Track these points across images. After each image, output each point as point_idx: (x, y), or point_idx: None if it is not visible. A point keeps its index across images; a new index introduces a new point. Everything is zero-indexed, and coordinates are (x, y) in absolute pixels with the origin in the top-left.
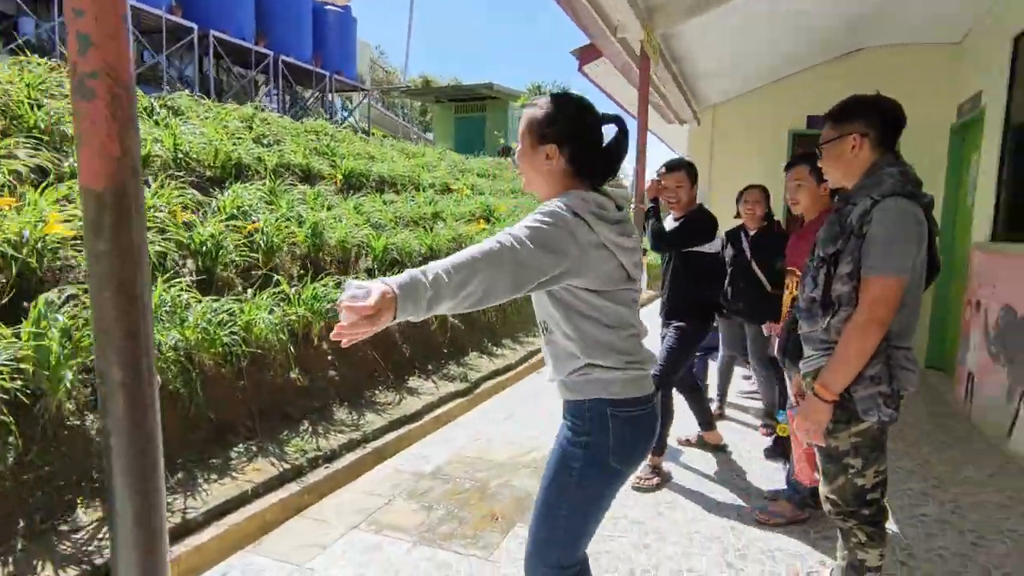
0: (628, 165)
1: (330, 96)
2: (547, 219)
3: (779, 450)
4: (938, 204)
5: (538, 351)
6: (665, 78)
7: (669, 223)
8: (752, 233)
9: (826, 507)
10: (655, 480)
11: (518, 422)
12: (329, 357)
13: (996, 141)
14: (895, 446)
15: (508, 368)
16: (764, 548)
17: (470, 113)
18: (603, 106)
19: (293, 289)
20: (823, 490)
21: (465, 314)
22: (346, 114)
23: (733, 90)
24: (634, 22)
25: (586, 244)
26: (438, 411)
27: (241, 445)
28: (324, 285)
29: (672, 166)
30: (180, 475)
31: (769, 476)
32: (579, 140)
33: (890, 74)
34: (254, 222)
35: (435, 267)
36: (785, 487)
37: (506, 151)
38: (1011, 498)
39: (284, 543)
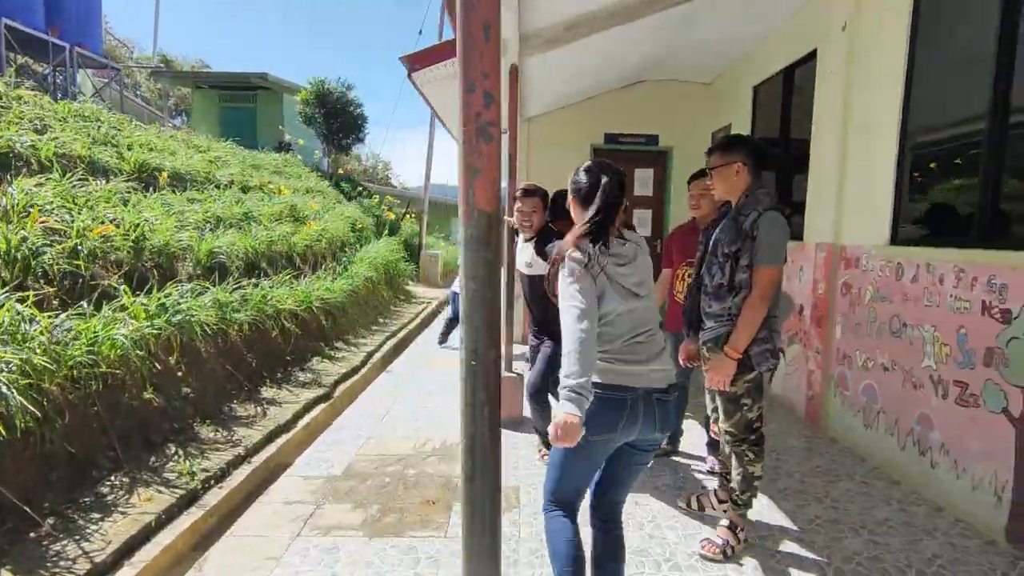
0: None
1: (71, 72)
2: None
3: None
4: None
5: (375, 351)
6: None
7: (520, 244)
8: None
9: (724, 439)
10: None
11: (397, 418)
12: (179, 373)
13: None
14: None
15: (355, 370)
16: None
17: (239, 103)
18: (423, 113)
19: (136, 300)
20: (724, 426)
21: (300, 321)
22: (85, 95)
23: (548, 106)
24: (516, 46)
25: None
26: (307, 418)
27: (113, 478)
28: (168, 295)
29: (528, 192)
30: (52, 520)
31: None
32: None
33: (663, 102)
34: (112, 222)
35: (570, 372)
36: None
37: (285, 146)
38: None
39: (231, 563)
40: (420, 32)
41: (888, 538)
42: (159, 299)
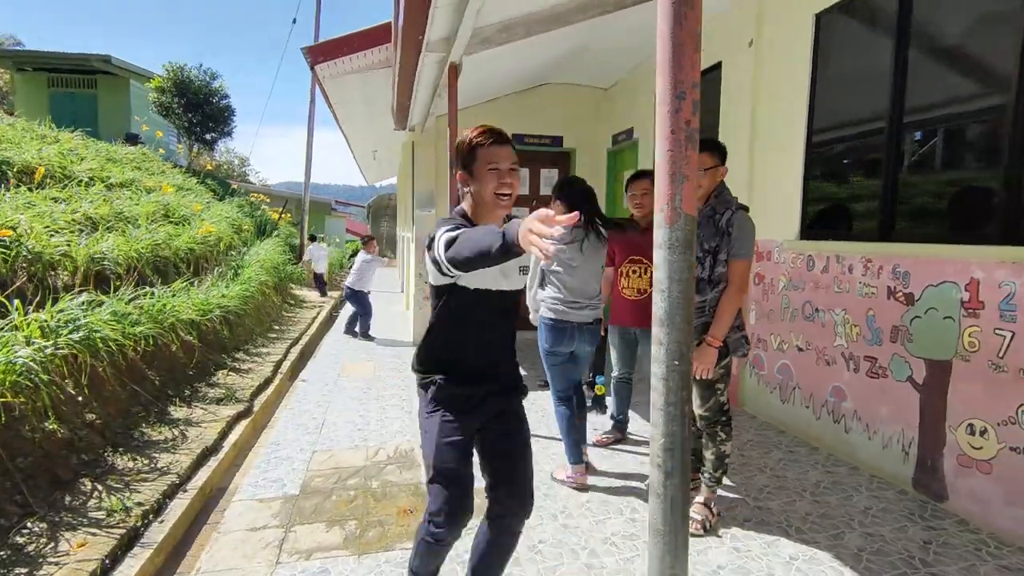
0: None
1: None
2: None
3: (599, 403)
4: (604, 206)
5: (283, 360)
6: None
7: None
8: None
9: (701, 424)
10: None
11: (335, 428)
12: (80, 399)
13: (649, 158)
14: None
15: (267, 382)
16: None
17: (74, 89)
18: (287, 108)
19: (29, 315)
20: (699, 411)
21: (199, 332)
22: None
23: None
24: (463, 44)
25: None
26: (232, 437)
27: (30, 524)
28: (61, 310)
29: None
30: None
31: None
32: None
33: (565, 105)
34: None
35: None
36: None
37: (133, 138)
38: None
39: None
40: (294, 21)
41: (826, 497)
42: (53, 314)
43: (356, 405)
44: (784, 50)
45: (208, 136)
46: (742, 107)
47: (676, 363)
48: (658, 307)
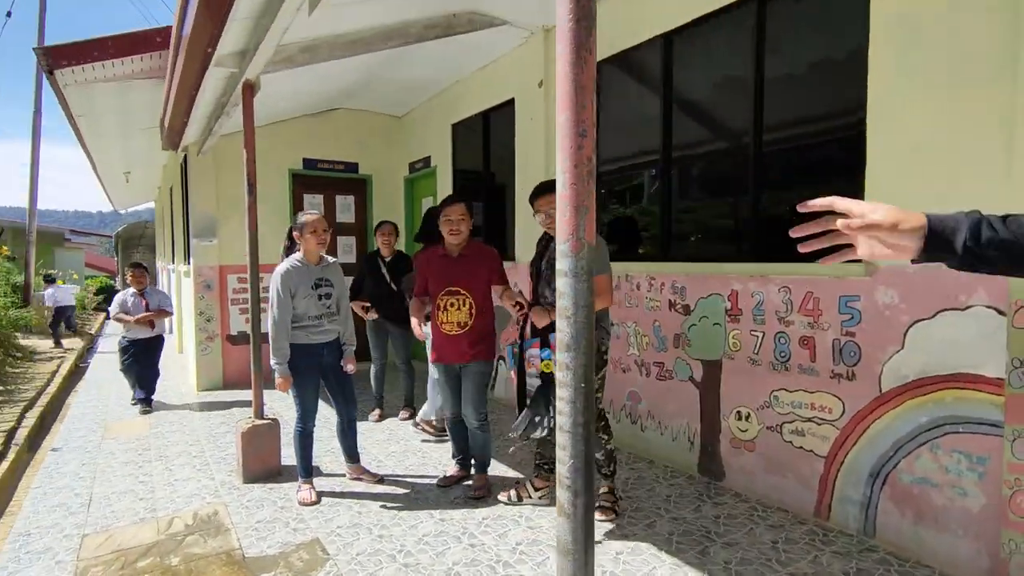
0: None
1: None
2: None
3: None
4: (403, 234)
5: (15, 428)
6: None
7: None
8: (388, 259)
9: None
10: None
11: (108, 503)
12: None
13: (447, 186)
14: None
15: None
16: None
17: None
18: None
19: None
20: None
21: None
22: None
23: (238, 126)
24: (263, 61)
25: None
26: None
27: None
28: None
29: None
30: None
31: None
32: None
33: (358, 131)
34: None
35: None
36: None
37: None
38: None
39: None
40: (9, 15)
41: (635, 491)
42: None
43: (133, 470)
44: None
45: None
46: (536, 142)
47: (582, 385)
48: (564, 333)
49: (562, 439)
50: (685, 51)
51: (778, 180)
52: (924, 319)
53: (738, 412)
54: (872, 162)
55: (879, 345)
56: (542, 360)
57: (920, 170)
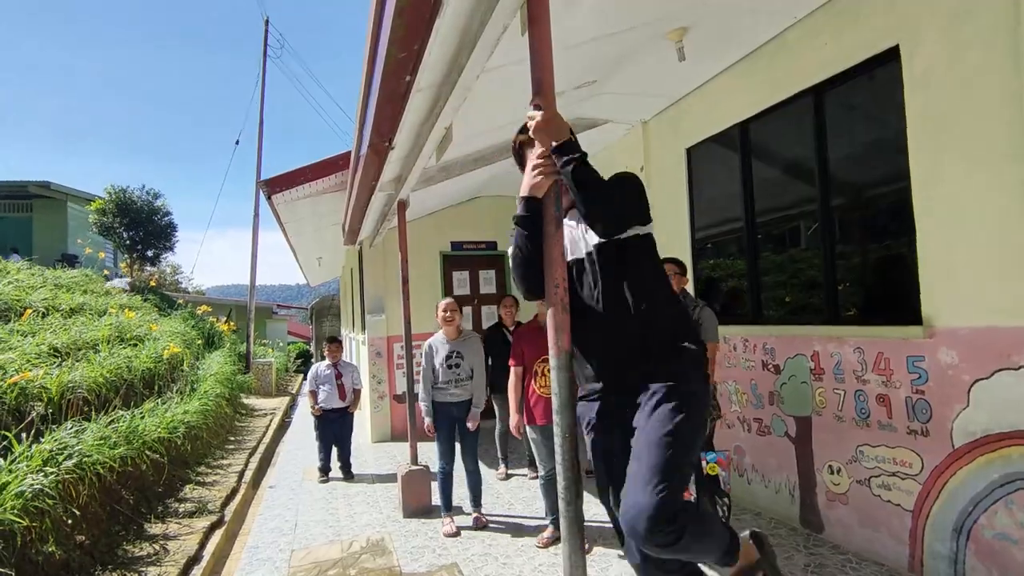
0: None
1: None
2: None
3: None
4: None
5: (244, 470)
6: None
7: None
8: (512, 328)
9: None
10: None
11: (308, 528)
12: (70, 521)
13: None
14: None
15: (234, 492)
16: None
17: (6, 213)
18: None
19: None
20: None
21: (167, 447)
22: None
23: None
24: (411, 186)
25: None
26: (209, 546)
27: None
28: (56, 439)
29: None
30: None
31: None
32: None
33: (497, 212)
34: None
35: None
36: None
37: (71, 259)
38: None
39: None
40: (237, 143)
41: None
42: (50, 443)
43: (324, 504)
44: (667, 172)
45: (149, 252)
46: None
47: (567, 436)
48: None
49: (559, 469)
50: (759, 136)
51: (842, 244)
52: (983, 379)
53: (829, 466)
54: (920, 223)
55: (947, 403)
56: (707, 463)
57: (961, 229)
